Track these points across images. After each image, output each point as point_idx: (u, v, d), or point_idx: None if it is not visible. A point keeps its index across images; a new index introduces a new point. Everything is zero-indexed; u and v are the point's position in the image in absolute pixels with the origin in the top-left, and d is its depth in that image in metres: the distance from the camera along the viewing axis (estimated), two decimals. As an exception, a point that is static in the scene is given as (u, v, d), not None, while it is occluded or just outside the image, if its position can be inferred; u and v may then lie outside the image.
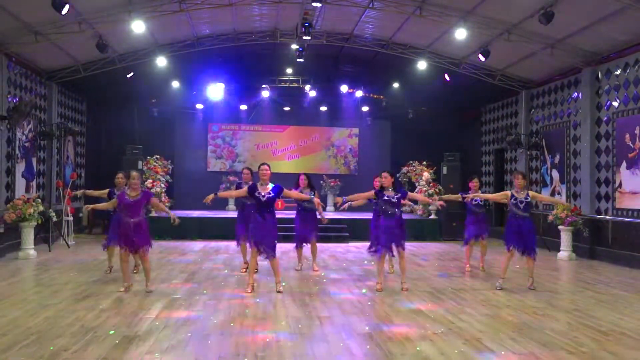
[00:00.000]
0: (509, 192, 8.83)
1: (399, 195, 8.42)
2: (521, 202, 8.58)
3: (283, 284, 8.48)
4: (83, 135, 17.65)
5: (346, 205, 9.07)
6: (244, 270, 9.77)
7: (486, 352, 5.40)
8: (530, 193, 8.71)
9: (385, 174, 8.44)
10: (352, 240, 14.92)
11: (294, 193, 9.07)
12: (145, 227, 8.02)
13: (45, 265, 10.55)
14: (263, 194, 7.91)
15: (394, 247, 8.38)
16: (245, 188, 8.27)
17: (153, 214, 14.44)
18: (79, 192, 11.84)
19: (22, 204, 11.48)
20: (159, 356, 5.15)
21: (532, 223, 8.80)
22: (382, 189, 8.44)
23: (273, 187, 7.98)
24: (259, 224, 7.96)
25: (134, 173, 7.99)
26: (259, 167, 8.06)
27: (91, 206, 8.78)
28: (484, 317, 6.83)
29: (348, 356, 5.26)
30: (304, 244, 10.28)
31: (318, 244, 10.50)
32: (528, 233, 8.62)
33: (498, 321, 6.63)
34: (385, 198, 8.35)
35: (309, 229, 10.04)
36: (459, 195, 10.32)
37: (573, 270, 11.04)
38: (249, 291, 7.99)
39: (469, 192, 10.40)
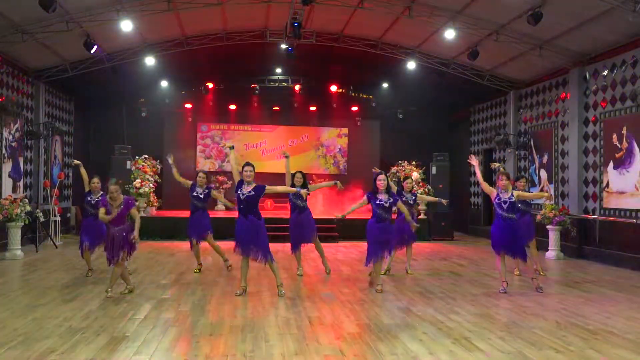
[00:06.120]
0: (495, 191, 8.39)
1: (391, 200, 8.24)
2: (504, 202, 8.21)
3: (282, 291, 7.96)
4: (71, 135, 17.53)
5: (346, 213, 8.70)
6: (198, 270, 9.82)
7: (475, 351, 5.42)
8: (515, 193, 8.30)
9: (382, 177, 8.25)
10: (341, 240, 14.91)
11: (280, 187, 8.58)
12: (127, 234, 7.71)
13: (33, 266, 10.46)
14: (244, 192, 7.68)
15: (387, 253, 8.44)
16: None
17: (137, 217, 14.38)
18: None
19: (9, 204, 11.39)
20: (148, 357, 5.11)
21: (518, 224, 8.41)
22: (376, 192, 8.24)
23: (255, 186, 7.72)
24: (242, 226, 7.74)
25: (112, 187, 7.67)
26: (242, 169, 7.78)
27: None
28: (473, 316, 6.85)
29: (338, 356, 5.25)
30: (301, 245, 9.68)
31: (309, 245, 10.12)
32: (515, 234, 8.20)
33: (487, 320, 6.66)
34: (378, 202, 8.19)
35: (305, 229, 9.49)
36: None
37: (561, 270, 11.11)
38: (239, 293, 7.86)
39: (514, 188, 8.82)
